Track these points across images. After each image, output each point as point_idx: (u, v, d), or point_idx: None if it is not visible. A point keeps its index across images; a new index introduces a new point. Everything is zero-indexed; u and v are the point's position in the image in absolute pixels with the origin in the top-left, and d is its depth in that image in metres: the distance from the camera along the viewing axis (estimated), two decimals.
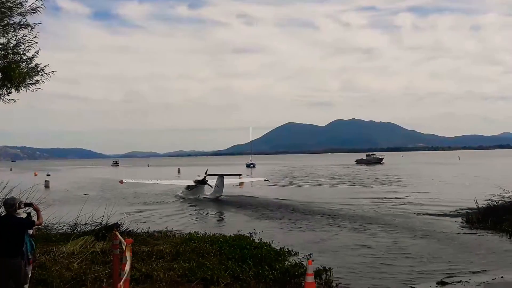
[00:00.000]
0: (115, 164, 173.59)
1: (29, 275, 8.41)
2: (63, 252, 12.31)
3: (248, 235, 16.42)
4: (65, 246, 12.93)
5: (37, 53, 12.33)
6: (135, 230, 16.13)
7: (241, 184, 48.86)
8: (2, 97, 12.49)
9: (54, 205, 24.79)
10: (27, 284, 8.00)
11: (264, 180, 46.44)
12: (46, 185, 51.72)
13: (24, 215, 8.52)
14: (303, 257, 13.43)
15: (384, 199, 31.45)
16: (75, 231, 15.26)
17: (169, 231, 17.57)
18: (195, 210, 29.24)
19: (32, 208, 8.35)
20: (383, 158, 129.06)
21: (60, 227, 16.19)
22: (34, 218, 8.37)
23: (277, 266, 11.38)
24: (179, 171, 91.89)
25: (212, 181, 36.18)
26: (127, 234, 15.33)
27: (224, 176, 36.56)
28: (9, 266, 7.37)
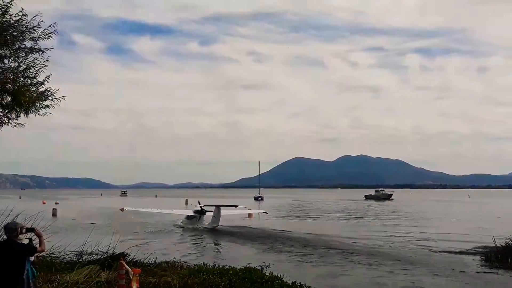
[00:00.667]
0: (124, 194, 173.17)
1: None
2: (66, 281, 11.83)
3: (259, 268, 15.78)
4: (69, 275, 12.44)
5: (48, 78, 12.14)
6: (141, 260, 15.61)
7: (249, 215, 48.82)
8: (10, 121, 12.28)
9: (60, 233, 24.37)
10: None
11: (263, 212, 46.23)
12: (54, 213, 51.33)
13: (26, 241, 8.12)
14: None
15: (397, 235, 30.62)
16: (80, 260, 14.78)
17: (177, 262, 16.97)
18: (202, 241, 28.62)
19: (34, 234, 7.98)
20: (392, 194, 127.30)
21: (65, 255, 15.70)
22: (37, 245, 8.04)
23: None
24: (186, 202, 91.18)
25: (211, 212, 36.84)
26: (134, 264, 14.83)
27: (222, 207, 37.41)
28: None
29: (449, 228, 35.83)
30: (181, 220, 38.81)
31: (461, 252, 21.91)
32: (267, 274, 14.15)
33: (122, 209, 39.78)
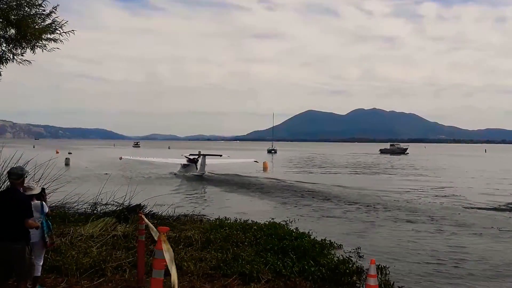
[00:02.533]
0: (136, 145, 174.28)
1: (38, 264, 7.00)
2: (81, 234, 10.95)
3: (283, 223, 14.82)
4: (83, 228, 11.56)
5: (55, 9, 10.77)
6: (159, 213, 14.70)
7: (265, 168, 48.87)
8: (16, 58, 11.02)
9: (73, 183, 23.64)
10: (30, 279, 6.60)
11: (254, 161, 47.83)
12: (67, 163, 51.10)
13: (37, 190, 7.18)
14: (350, 252, 11.81)
15: (422, 190, 29.44)
16: (95, 212, 13.91)
17: (195, 215, 16.10)
18: (217, 194, 27.85)
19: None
20: (407, 149, 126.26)
21: (78, 207, 14.87)
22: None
23: (323, 262, 9.77)
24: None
25: (209, 160, 40.68)
26: (151, 216, 13.95)
27: (209, 156, 41.77)
28: (11, 252, 5.92)
29: (474, 183, 34.71)
30: (178, 169, 41.33)
31: (495, 209, 20.77)
32: (292, 230, 13.19)
33: (120, 158, 42.07)
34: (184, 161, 41.36)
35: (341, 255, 10.81)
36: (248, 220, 14.64)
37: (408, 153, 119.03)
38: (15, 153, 13.48)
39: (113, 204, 14.85)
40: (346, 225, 16.61)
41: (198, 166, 39.32)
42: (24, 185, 6.72)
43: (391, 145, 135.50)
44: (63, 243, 10.02)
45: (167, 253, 4.97)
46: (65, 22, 10.75)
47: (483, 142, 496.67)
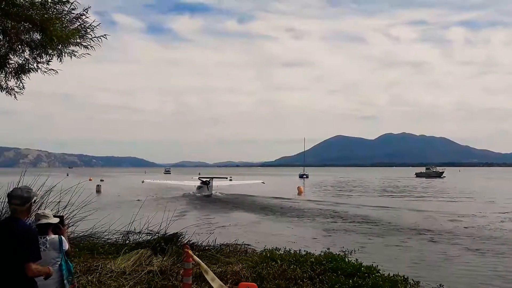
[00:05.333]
0: (167, 172, 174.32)
1: None
2: (111, 270, 9.28)
3: (340, 253, 12.79)
4: (114, 262, 9.92)
5: (86, 11, 9.33)
6: (199, 243, 12.92)
7: (299, 191, 48.09)
8: (40, 66, 9.64)
9: (104, 210, 22.22)
10: None
11: (262, 183, 50.92)
12: (98, 190, 50.34)
13: (54, 220, 5.31)
14: None
15: (482, 215, 26.75)
16: (128, 242, 12.29)
17: (238, 244, 14.21)
18: (254, 219, 25.96)
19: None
20: (443, 172, 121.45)
21: (109, 236, 13.26)
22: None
23: None
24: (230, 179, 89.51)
25: (216, 182, 46.19)
26: (190, 247, 12.20)
27: (216, 179, 47.70)
28: None
29: None
30: (193, 191, 45.59)
31: None
32: (352, 261, 11.17)
33: (142, 181, 48.68)
34: (198, 183, 46.00)
35: None
36: (300, 250, 12.68)
37: (444, 176, 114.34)
38: (45, 181, 12.10)
39: (148, 233, 13.20)
40: (412, 256, 14.42)
41: (209, 188, 44.33)
42: (38, 211, 5.09)
43: (426, 168, 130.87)
44: (90, 282, 8.36)
45: None
46: (97, 25, 9.35)
47: None
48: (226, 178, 52.61)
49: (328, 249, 13.64)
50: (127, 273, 9.26)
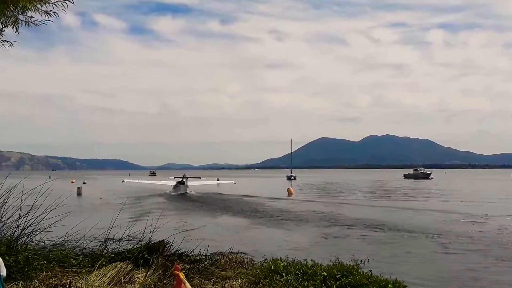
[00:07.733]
0: (153, 174, 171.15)
1: None
2: None
3: (353, 263, 11.13)
4: (87, 278, 8.15)
5: None
6: (189, 252, 11.14)
7: (289, 193, 47.11)
8: None
9: (82, 213, 20.34)
10: None
11: (233, 183, 57.09)
12: (78, 192, 48.25)
13: None
14: None
15: (489, 216, 25.53)
16: (105, 252, 10.48)
17: (233, 253, 12.42)
18: (245, 222, 24.29)
19: None
20: (431, 173, 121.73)
21: (84, 245, 11.33)
22: None
23: None
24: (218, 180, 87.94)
25: (190, 182, 50.65)
26: (178, 257, 10.46)
27: (191, 179, 51.94)
28: None
29: None
30: (169, 190, 49.06)
31: None
32: (365, 272, 9.55)
33: (122, 181, 53.71)
34: (174, 183, 49.85)
35: None
36: (306, 260, 11.01)
37: (432, 178, 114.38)
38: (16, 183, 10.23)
39: (129, 240, 11.36)
40: (429, 264, 12.89)
41: (184, 187, 48.54)
42: None
43: (414, 170, 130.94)
44: None
45: None
46: None
47: (499, 167, 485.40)
48: (199, 178, 57.56)
49: (337, 258, 12.02)
50: None
